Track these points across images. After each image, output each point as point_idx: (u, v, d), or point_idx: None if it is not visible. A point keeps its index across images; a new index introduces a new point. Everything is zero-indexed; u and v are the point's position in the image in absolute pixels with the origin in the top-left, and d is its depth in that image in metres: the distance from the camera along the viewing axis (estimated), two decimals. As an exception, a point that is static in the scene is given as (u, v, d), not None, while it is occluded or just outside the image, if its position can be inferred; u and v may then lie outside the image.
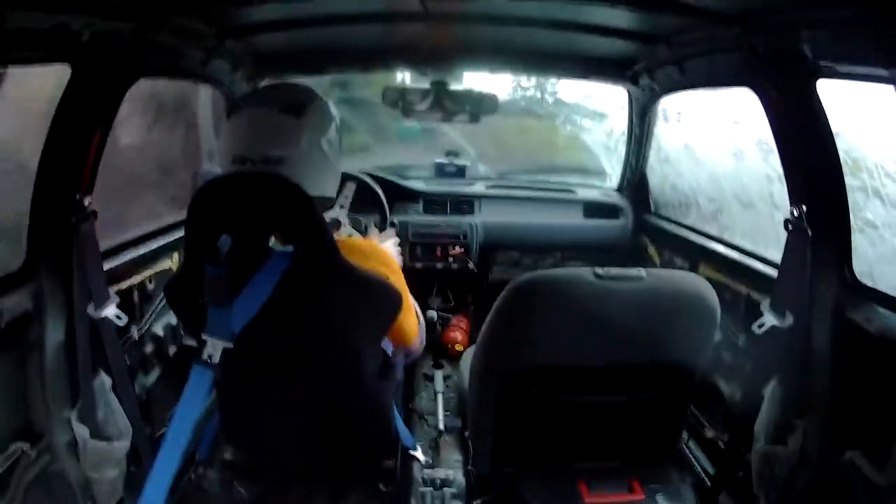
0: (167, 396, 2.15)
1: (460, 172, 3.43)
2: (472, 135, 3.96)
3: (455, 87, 2.83)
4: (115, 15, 1.52)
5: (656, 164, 3.17)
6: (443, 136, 4.03)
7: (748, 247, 2.26)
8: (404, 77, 3.21)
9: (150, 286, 2.12)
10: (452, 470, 2.29)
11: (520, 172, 4.00)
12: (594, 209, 3.31)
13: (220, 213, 1.32)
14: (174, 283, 1.49)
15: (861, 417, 1.59)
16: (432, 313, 3.38)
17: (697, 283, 1.59)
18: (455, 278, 3.40)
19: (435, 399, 2.84)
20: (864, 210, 1.86)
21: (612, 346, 1.60)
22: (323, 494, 1.66)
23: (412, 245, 3.18)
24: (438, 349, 3.28)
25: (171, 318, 2.24)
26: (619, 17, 2.07)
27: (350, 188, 1.86)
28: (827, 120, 1.62)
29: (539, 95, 4.44)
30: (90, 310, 1.67)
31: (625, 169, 3.30)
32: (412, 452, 1.83)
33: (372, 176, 3.01)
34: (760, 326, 1.74)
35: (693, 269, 2.50)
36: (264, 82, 2.83)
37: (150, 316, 2.12)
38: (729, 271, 2.22)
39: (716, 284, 1.68)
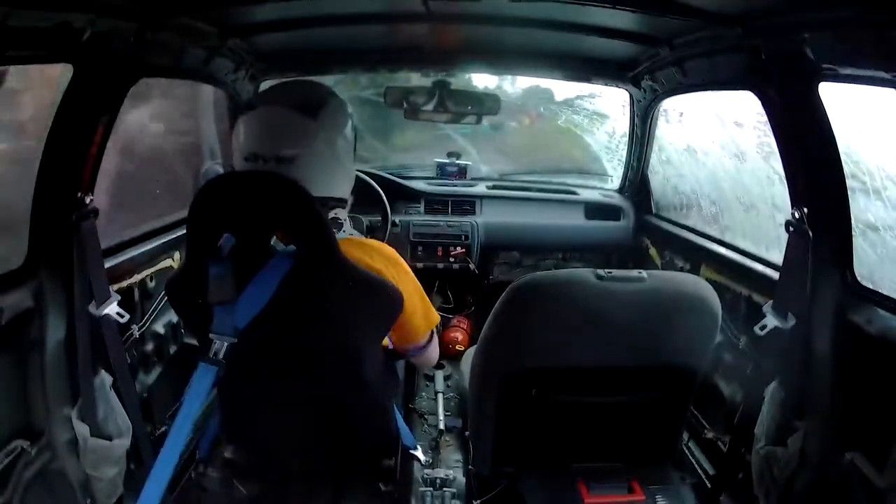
0: (168, 395, 2.16)
1: (462, 172, 3.43)
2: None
3: (457, 87, 2.83)
4: (118, 14, 1.53)
5: (658, 166, 3.17)
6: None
7: (749, 248, 2.26)
8: (408, 77, 3.21)
9: (151, 284, 2.12)
10: (452, 470, 2.29)
11: (521, 173, 4.00)
12: (595, 210, 3.31)
13: (222, 212, 1.32)
14: (176, 282, 1.49)
15: (862, 419, 1.59)
16: (433, 313, 3.38)
17: (698, 285, 1.59)
18: (456, 278, 3.40)
19: (435, 399, 2.84)
20: (864, 212, 1.86)
21: (612, 347, 1.60)
22: (323, 493, 1.66)
23: (413, 245, 3.18)
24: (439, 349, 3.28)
25: (172, 317, 2.24)
26: (621, 19, 2.07)
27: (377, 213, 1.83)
28: (828, 122, 1.62)
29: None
30: (91, 308, 1.67)
31: (626, 170, 3.30)
32: (412, 452, 1.83)
33: (373, 175, 3.01)
34: (762, 328, 1.74)
35: (694, 270, 2.50)
36: (266, 82, 2.83)
37: (151, 314, 2.12)
38: (730, 273, 2.22)
39: (717, 286, 1.68)
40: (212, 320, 1.35)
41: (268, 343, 1.40)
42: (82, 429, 1.69)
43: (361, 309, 1.41)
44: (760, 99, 1.82)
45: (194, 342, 2.18)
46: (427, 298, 1.58)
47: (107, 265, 1.77)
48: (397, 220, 3.04)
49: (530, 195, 3.38)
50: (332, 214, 1.54)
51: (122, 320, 1.73)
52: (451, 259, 3.20)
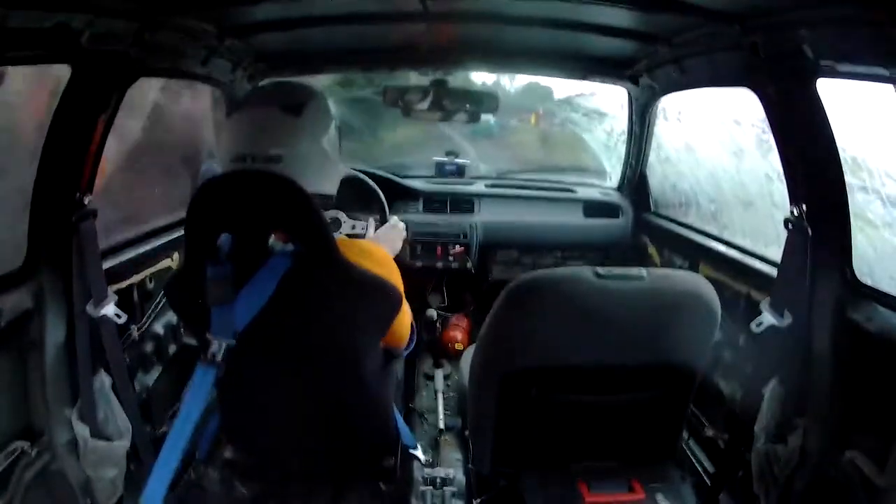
0: (167, 395, 2.16)
1: (460, 171, 3.43)
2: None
3: (455, 85, 2.83)
4: (116, 14, 1.52)
5: (656, 164, 3.17)
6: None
7: (748, 246, 2.26)
8: (407, 76, 3.21)
9: (150, 285, 2.12)
10: (452, 469, 2.29)
11: (519, 171, 4.00)
12: (594, 208, 3.31)
13: (220, 212, 1.32)
14: (174, 282, 1.49)
15: (861, 417, 1.59)
16: (432, 312, 3.38)
17: (698, 283, 1.59)
18: (455, 277, 3.40)
19: (435, 398, 2.84)
20: (863, 209, 1.86)
21: (612, 345, 1.60)
22: (323, 493, 1.66)
23: (412, 244, 3.17)
24: (439, 348, 3.29)
25: (171, 317, 2.24)
26: (619, 17, 2.07)
27: (375, 208, 1.82)
28: (827, 119, 1.62)
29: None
30: (90, 308, 1.67)
31: (625, 168, 3.30)
32: (412, 451, 1.83)
33: (371, 174, 3.01)
34: (759, 325, 1.74)
35: (693, 268, 2.50)
36: (265, 82, 2.83)
37: (150, 315, 2.12)
38: (729, 270, 2.22)
39: (716, 283, 1.68)
40: (210, 321, 1.35)
41: (267, 343, 1.40)
42: (82, 430, 1.69)
43: (361, 308, 1.41)
44: (759, 96, 1.82)
45: (193, 343, 2.18)
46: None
47: (106, 266, 1.77)
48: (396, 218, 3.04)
49: (529, 193, 3.38)
50: (333, 215, 1.54)
51: (120, 321, 1.73)
52: (450, 258, 3.20)
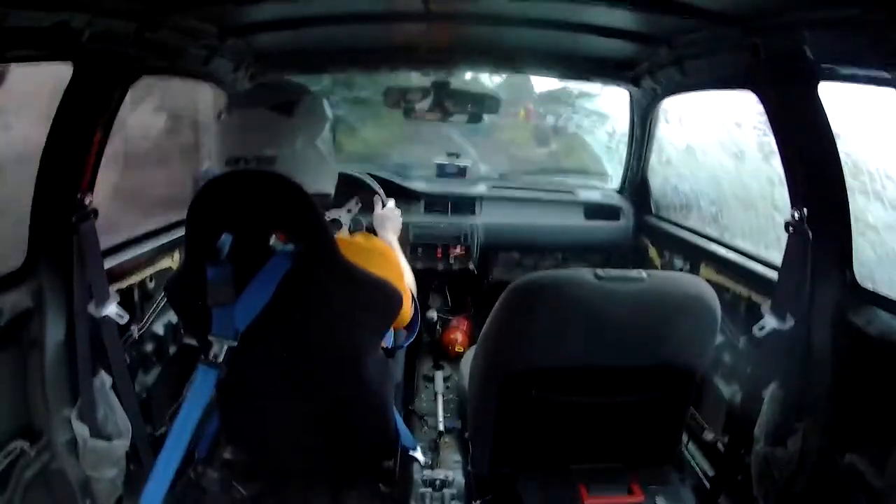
0: (167, 395, 2.16)
1: (461, 173, 3.43)
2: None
3: (456, 86, 2.83)
4: (117, 13, 1.53)
5: (657, 166, 3.17)
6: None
7: (749, 249, 2.26)
8: (408, 76, 3.21)
9: (151, 285, 2.12)
10: (452, 471, 2.29)
11: (521, 173, 4.00)
12: (595, 210, 3.30)
13: (221, 212, 1.32)
14: (175, 283, 1.49)
15: (861, 420, 1.59)
16: (432, 314, 3.38)
17: (698, 285, 1.59)
18: (456, 279, 3.40)
19: (435, 400, 2.84)
20: (864, 212, 1.86)
21: (612, 347, 1.59)
22: (323, 494, 1.66)
23: (413, 246, 3.17)
24: (439, 350, 3.28)
25: (172, 318, 2.24)
26: (621, 18, 2.07)
27: (363, 196, 1.83)
28: (828, 122, 1.62)
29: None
30: (90, 308, 1.67)
31: (626, 170, 3.29)
32: (412, 453, 1.82)
33: (373, 176, 3.00)
34: (761, 329, 1.74)
35: (693, 270, 2.50)
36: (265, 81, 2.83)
37: (151, 315, 2.12)
38: (730, 273, 2.22)
39: (716, 286, 1.68)
40: (211, 322, 1.34)
41: (267, 344, 1.40)
42: (82, 429, 1.69)
43: (361, 309, 1.41)
44: (760, 98, 1.82)
45: (194, 343, 2.17)
46: (404, 277, 1.58)
47: (106, 266, 1.77)
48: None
49: (530, 195, 3.37)
50: (333, 216, 1.54)
51: (121, 321, 1.73)
52: (451, 260, 3.19)
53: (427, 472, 2.24)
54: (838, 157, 1.64)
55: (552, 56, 2.78)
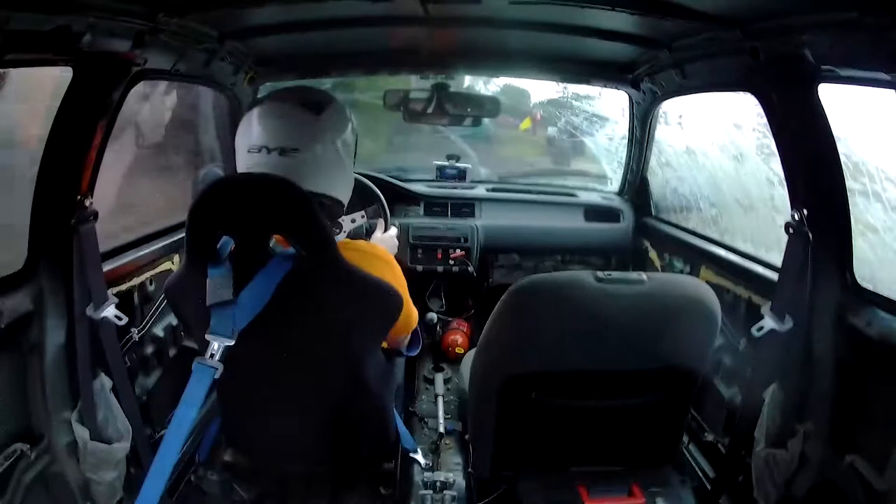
0: (167, 398, 2.15)
1: (461, 175, 3.43)
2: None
3: (457, 89, 2.83)
4: (117, 16, 1.53)
5: (657, 168, 3.17)
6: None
7: (749, 250, 2.26)
8: (408, 80, 3.22)
9: (151, 287, 2.12)
10: (452, 473, 2.29)
11: (520, 175, 4.01)
12: (595, 212, 3.31)
13: (221, 214, 1.32)
14: (175, 284, 1.49)
15: (862, 422, 1.58)
16: (432, 316, 3.38)
17: (698, 287, 1.59)
18: (455, 281, 3.40)
19: (435, 402, 2.84)
20: (864, 213, 1.86)
21: (612, 349, 1.59)
22: (323, 496, 1.66)
23: (412, 247, 3.17)
24: (439, 352, 3.29)
25: (172, 320, 2.24)
26: (620, 21, 2.07)
27: (371, 211, 1.84)
28: (828, 124, 1.62)
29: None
30: (90, 311, 1.67)
31: (626, 172, 3.30)
32: (412, 455, 1.83)
33: (372, 178, 3.00)
34: (759, 329, 1.74)
35: (694, 272, 2.50)
36: (266, 85, 2.83)
37: (151, 317, 2.12)
38: (730, 275, 2.22)
39: (716, 288, 1.68)
40: (210, 322, 1.34)
41: (267, 345, 1.40)
42: (82, 432, 1.69)
43: (361, 311, 1.41)
44: (760, 101, 1.82)
45: (194, 345, 2.17)
46: (409, 298, 1.59)
47: (106, 268, 1.77)
48: (396, 223, 3.03)
49: (530, 198, 3.38)
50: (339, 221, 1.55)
51: (120, 323, 1.73)
52: (451, 262, 3.20)
53: (427, 475, 2.24)
54: (838, 159, 1.64)
55: (552, 59, 2.78)
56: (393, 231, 2.03)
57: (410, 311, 1.60)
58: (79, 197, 1.63)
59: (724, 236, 2.53)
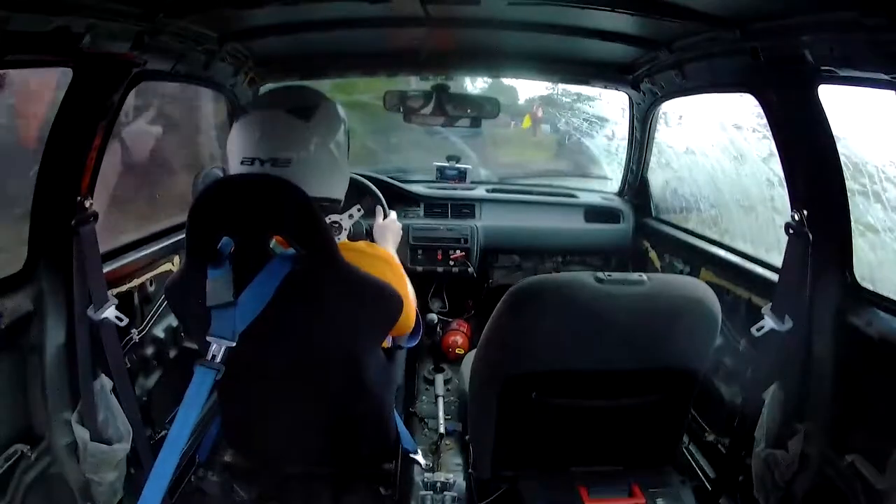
0: (167, 399, 2.15)
1: (461, 176, 3.43)
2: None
3: (456, 90, 2.83)
4: (117, 17, 1.53)
5: (657, 169, 3.17)
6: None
7: (749, 251, 2.26)
8: (408, 81, 3.21)
9: (151, 288, 2.12)
10: (453, 474, 2.29)
11: (520, 176, 4.01)
12: (595, 213, 3.31)
13: (221, 215, 1.33)
14: (175, 285, 1.49)
15: (862, 421, 1.59)
16: (433, 316, 3.38)
17: (698, 288, 1.59)
18: (456, 282, 3.40)
19: (435, 403, 2.84)
20: (864, 213, 1.86)
21: (613, 350, 1.60)
22: (323, 497, 1.66)
23: (412, 248, 3.18)
24: (439, 353, 3.29)
25: (172, 321, 2.24)
26: (620, 22, 2.07)
27: (366, 202, 1.86)
28: (828, 124, 1.62)
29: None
30: (90, 312, 1.67)
31: (626, 173, 3.30)
32: (413, 456, 1.83)
33: (372, 178, 3.00)
34: (759, 329, 1.74)
35: (694, 273, 2.50)
36: (266, 85, 2.83)
37: (151, 318, 2.12)
38: (730, 275, 2.22)
39: (717, 288, 1.68)
40: (210, 323, 1.34)
41: (267, 346, 1.40)
42: (82, 433, 1.68)
43: (361, 312, 1.41)
44: (760, 101, 1.82)
45: (194, 346, 2.17)
46: (410, 296, 1.59)
47: (106, 269, 1.77)
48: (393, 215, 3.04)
49: (530, 198, 3.38)
50: (334, 219, 1.55)
51: (120, 324, 1.73)
52: (451, 263, 3.20)
53: (427, 475, 2.24)
54: (838, 159, 1.64)
55: (552, 60, 2.78)
56: (393, 215, 2.04)
57: (411, 310, 1.59)
58: (79, 198, 1.63)
59: (724, 237, 2.53)
